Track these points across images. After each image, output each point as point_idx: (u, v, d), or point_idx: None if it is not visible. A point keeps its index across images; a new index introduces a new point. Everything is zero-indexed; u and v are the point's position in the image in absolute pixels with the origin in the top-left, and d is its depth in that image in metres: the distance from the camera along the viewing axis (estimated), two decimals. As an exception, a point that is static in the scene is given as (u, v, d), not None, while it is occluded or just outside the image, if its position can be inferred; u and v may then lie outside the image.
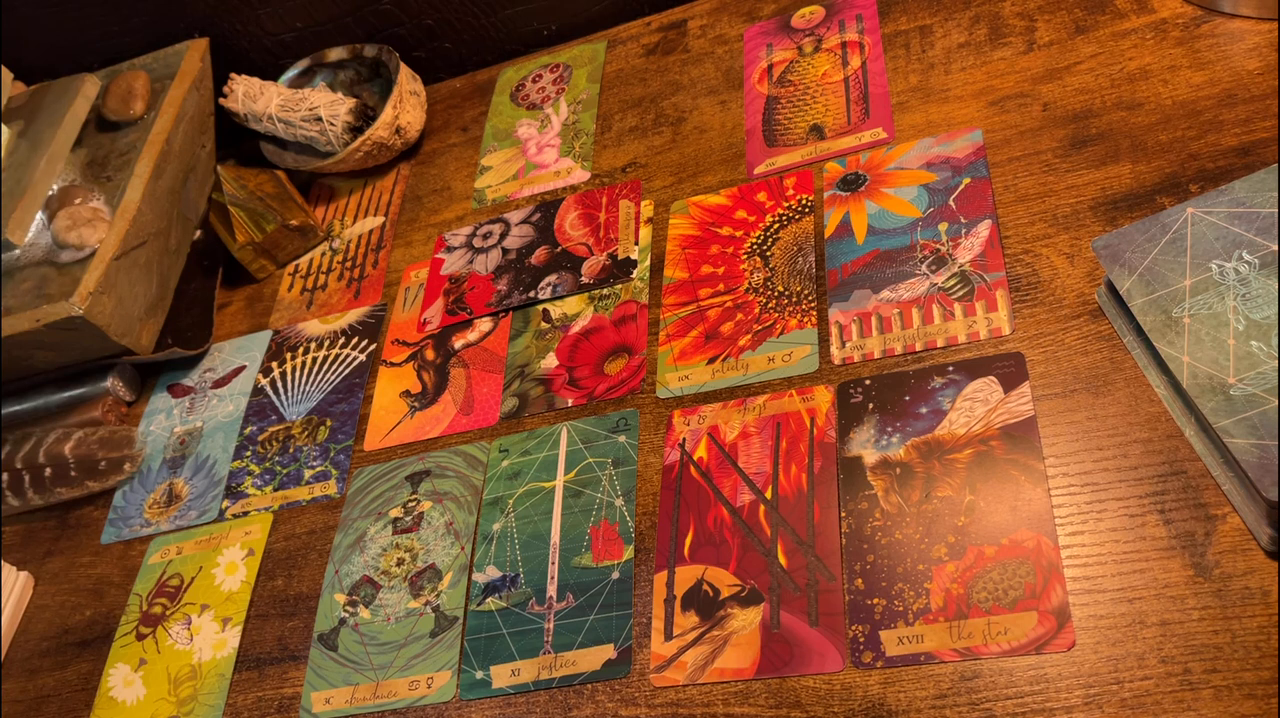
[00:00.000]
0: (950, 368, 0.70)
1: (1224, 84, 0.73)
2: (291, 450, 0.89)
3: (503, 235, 0.94)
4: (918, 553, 0.63)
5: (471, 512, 0.78)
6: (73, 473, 0.93)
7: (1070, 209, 0.73)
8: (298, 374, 0.94)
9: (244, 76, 1.08)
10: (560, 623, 0.70)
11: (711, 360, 0.78)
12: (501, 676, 0.70)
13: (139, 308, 0.96)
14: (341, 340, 0.95)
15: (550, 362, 0.84)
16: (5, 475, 0.94)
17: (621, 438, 0.77)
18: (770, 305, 0.78)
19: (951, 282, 0.73)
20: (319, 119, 1.02)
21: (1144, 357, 0.64)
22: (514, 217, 0.95)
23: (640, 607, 0.69)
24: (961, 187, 0.77)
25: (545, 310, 0.87)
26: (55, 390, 0.99)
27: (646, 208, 0.90)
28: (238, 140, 1.14)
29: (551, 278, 0.89)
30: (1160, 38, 0.78)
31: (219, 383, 0.98)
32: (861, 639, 0.62)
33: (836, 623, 0.63)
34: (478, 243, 0.95)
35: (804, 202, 0.83)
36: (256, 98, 1.06)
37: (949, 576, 0.62)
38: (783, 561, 0.67)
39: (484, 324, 0.89)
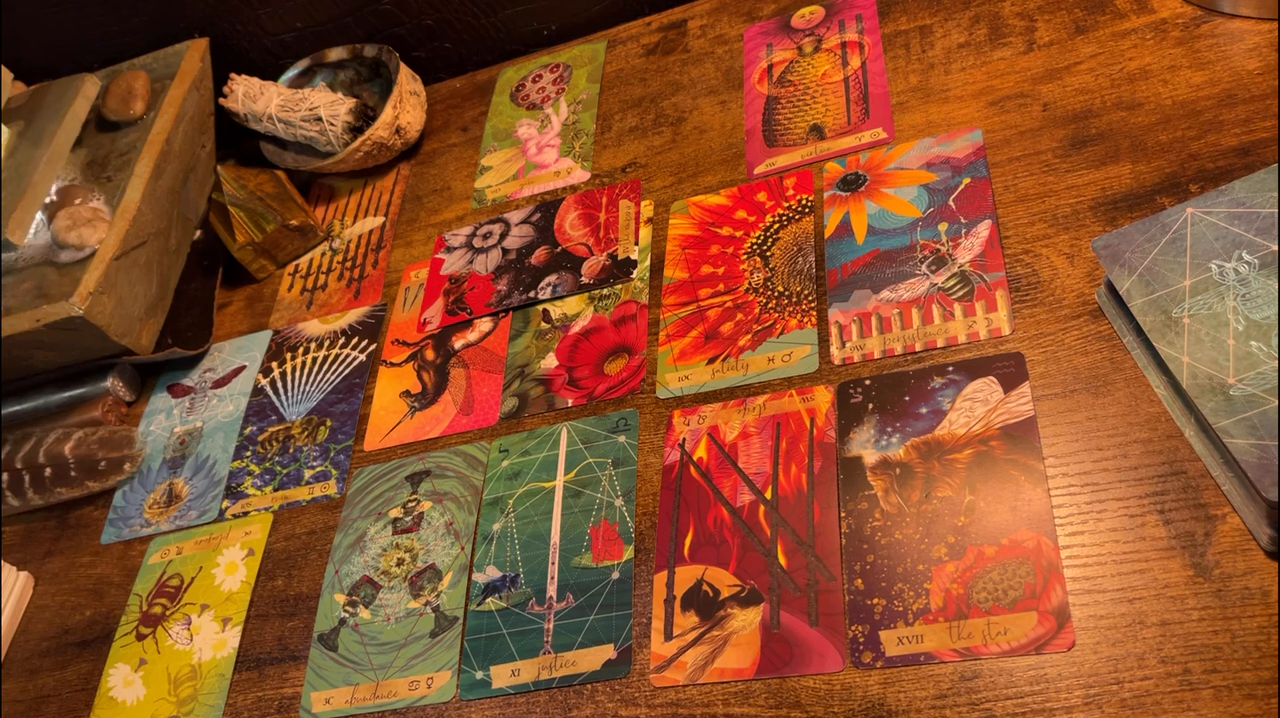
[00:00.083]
0: (950, 368, 0.70)
1: (1224, 84, 0.73)
2: (291, 451, 0.89)
3: (503, 235, 0.94)
4: (918, 553, 0.63)
5: (471, 512, 0.78)
6: (73, 473, 0.93)
7: (1070, 209, 0.73)
8: (298, 374, 0.94)
9: (244, 76, 1.08)
10: (560, 623, 0.70)
11: (711, 361, 0.78)
12: (501, 676, 0.70)
13: (139, 308, 0.96)
14: (341, 340, 0.95)
15: (550, 362, 0.84)
16: (5, 475, 0.94)
17: (621, 438, 0.77)
18: (770, 305, 0.78)
19: (951, 282, 0.73)
20: (319, 119, 1.03)
21: (1144, 357, 0.64)
22: (514, 217, 0.96)
23: (640, 607, 0.69)
24: (961, 187, 0.77)
25: (545, 310, 0.87)
26: (55, 390, 0.99)
27: (646, 208, 0.90)
28: (238, 140, 1.14)
29: (551, 278, 0.89)
30: (1160, 38, 0.78)
31: (219, 383, 0.98)
32: (861, 639, 0.62)
33: (836, 623, 0.63)
34: (478, 243, 0.95)
35: (804, 202, 0.83)
36: (256, 98, 1.06)
37: (949, 576, 0.62)
38: (783, 561, 0.67)
39: (484, 324, 0.89)
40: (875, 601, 0.63)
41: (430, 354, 0.90)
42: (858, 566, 0.65)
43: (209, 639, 0.81)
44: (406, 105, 1.02)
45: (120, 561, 0.90)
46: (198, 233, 1.06)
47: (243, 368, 0.97)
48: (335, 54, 1.10)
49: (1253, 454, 0.53)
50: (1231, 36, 0.75)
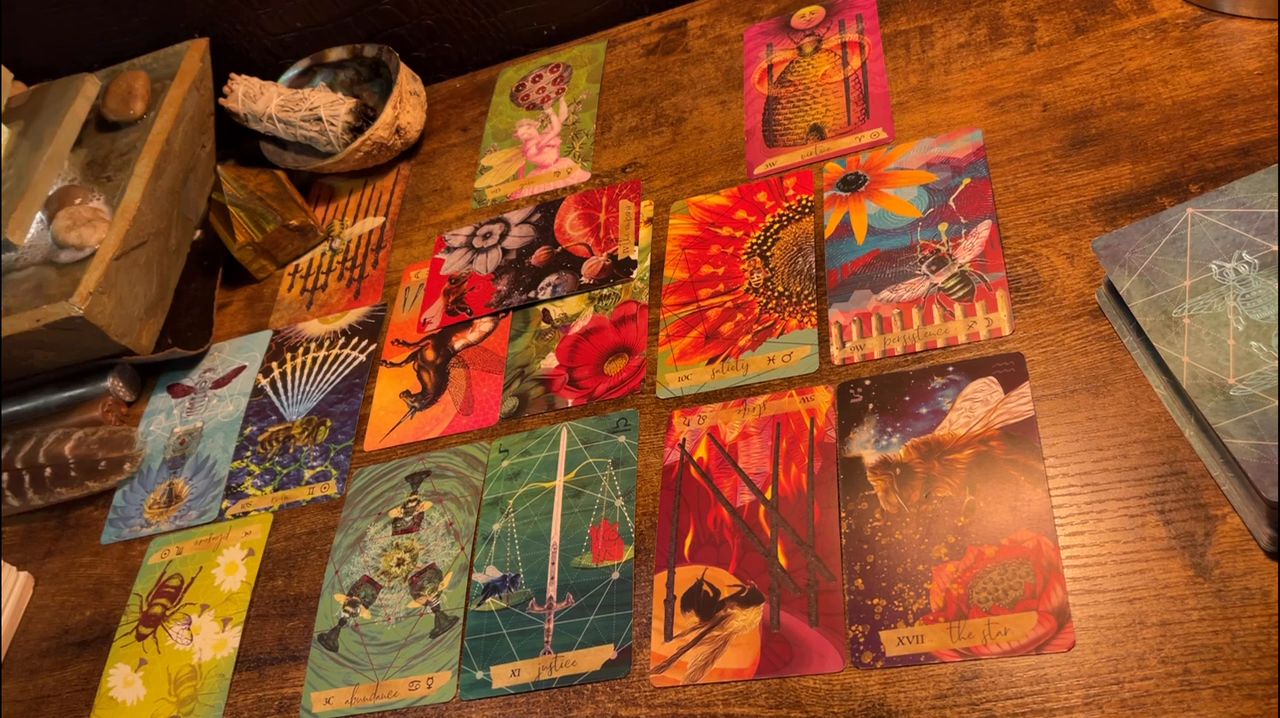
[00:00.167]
0: (950, 368, 0.70)
1: (1224, 84, 0.73)
2: (291, 451, 0.89)
3: (503, 235, 0.94)
4: (918, 553, 0.63)
5: (471, 512, 0.78)
6: (73, 473, 0.93)
7: (1070, 209, 0.73)
8: (298, 374, 0.94)
9: (244, 76, 1.08)
10: (560, 623, 0.70)
11: (711, 361, 0.78)
12: (502, 676, 0.70)
13: (139, 308, 0.96)
14: (341, 340, 0.95)
15: (550, 362, 0.84)
16: (5, 475, 0.94)
17: (621, 438, 0.77)
18: (770, 306, 0.78)
19: (951, 282, 0.73)
20: (319, 119, 1.03)
21: (1144, 357, 0.64)
22: (514, 217, 0.96)
23: (640, 607, 0.69)
24: (961, 187, 0.77)
25: (545, 311, 0.87)
26: (55, 390, 0.99)
27: (646, 208, 0.90)
28: (238, 140, 1.14)
29: (551, 278, 0.89)
30: (1160, 38, 0.78)
31: (219, 383, 0.98)
32: (861, 640, 0.62)
33: (836, 623, 0.63)
34: (478, 243, 0.95)
35: (804, 202, 0.83)
36: (256, 98, 1.06)
37: (949, 576, 0.62)
38: (783, 561, 0.67)
39: (484, 324, 0.89)
40: (875, 601, 0.63)
41: (430, 354, 0.90)
42: (858, 566, 0.65)
43: (209, 639, 0.81)
44: (406, 105, 1.02)
45: (120, 561, 0.90)
46: (198, 233, 1.06)
47: (243, 368, 0.97)
48: (335, 54, 1.10)
49: (1253, 454, 0.53)
50: (1231, 36, 0.75)
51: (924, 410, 0.69)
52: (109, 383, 0.98)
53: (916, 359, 0.71)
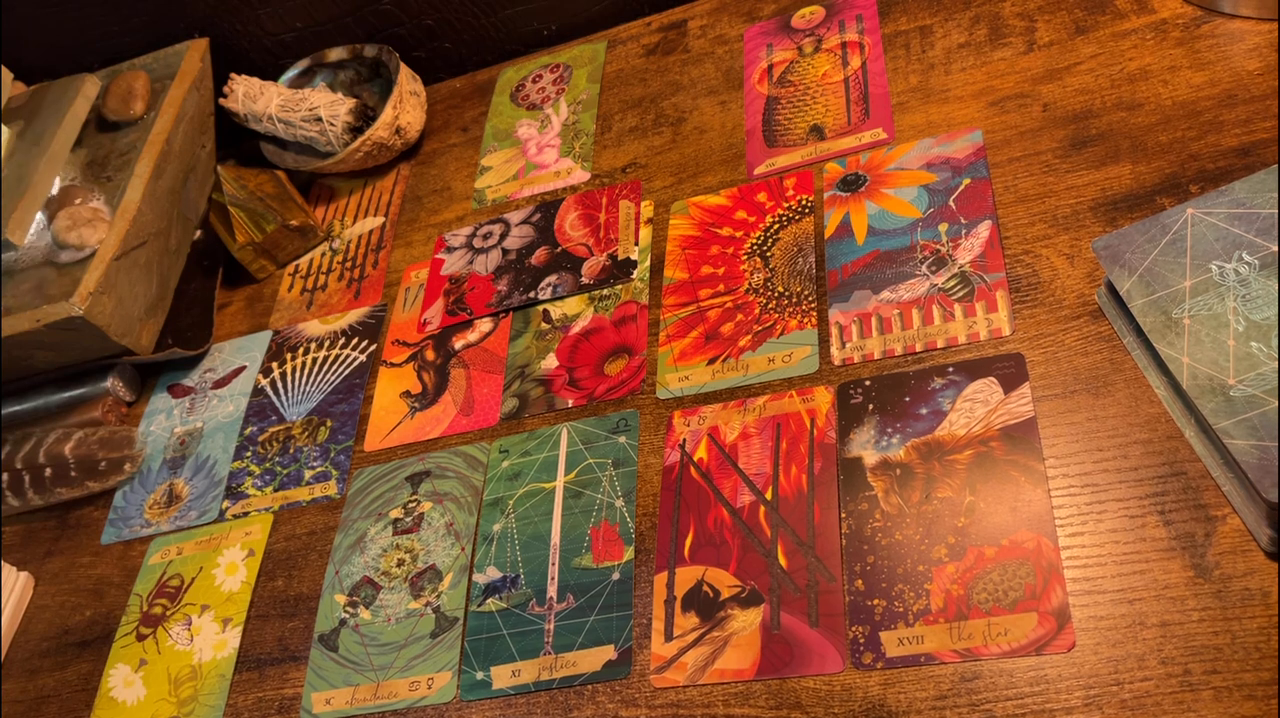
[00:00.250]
0: (950, 369, 0.70)
1: (1224, 84, 0.73)
2: (292, 451, 0.89)
3: (503, 236, 0.94)
4: (918, 554, 0.63)
5: (472, 512, 0.78)
6: (73, 473, 0.93)
7: (1070, 210, 0.73)
8: (298, 375, 0.94)
9: (244, 76, 1.08)
10: (560, 624, 0.70)
11: (711, 361, 0.78)
12: (502, 676, 0.70)
13: (139, 308, 0.96)
14: (341, 341, 0.95)
15: (550, 362, 0.84)
16: (5, 476, 0.94)
17: (622, 439, 0.77)
18: (770, 306, 0.78)
19: (951, 282, 0.73)
20: (319, 119, 1.02)
21: (1144, 357, 0.64)
22: (514, 217, 0.95)
23: (640, 608, 0.69)
24: (961, 187, 0.77)
25: (545, 311, 0.87)
26: (55, 390, 0.99)
27: (646, 208, 0.90)
28: (238, 140, 1.14)
29: (551, 278, 0.89)
30: (1160, 38, 0.78)
31: (219, 383, 0.98)
32: (862, 640, 0.62)
33: (837, 624, 0.63)
34: (478, 243, 0.95)
35: (804, 202, 0.83)
36: (256, 98, 1.06)
37: (949, 577, 0.62)
38: (783, 561, 0.67)
39: (484, 325, 0.89)
40: (875, 601, 0.63)
41: (430, 355, 0.90)
42: (858, 566, 0.65)
43: (209, 640, 0.81)
44: (406, 105, 1.02)
45: (120, 561, 0.90)
46: (198, 233, 1.06)
47: (243, 368, 0.97)
48: (335, 54, 1.10)
49: (1253, 455, 0.53)
50: (1231, 37, 0.75)
51: (924, 411, 0.69)
52: (109, 383, 0.98)
53: (916, 360, 0.71)
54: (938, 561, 0.63)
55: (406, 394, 0.88)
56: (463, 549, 0.77)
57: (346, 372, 0.92)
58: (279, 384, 0.94)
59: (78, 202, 0.99)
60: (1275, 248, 0.59)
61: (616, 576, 0.71)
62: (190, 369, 1.00)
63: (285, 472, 0.88)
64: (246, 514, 0.87)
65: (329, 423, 0.89)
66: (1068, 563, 0.60)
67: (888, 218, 0.79)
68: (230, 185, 1.04)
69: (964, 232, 0.75)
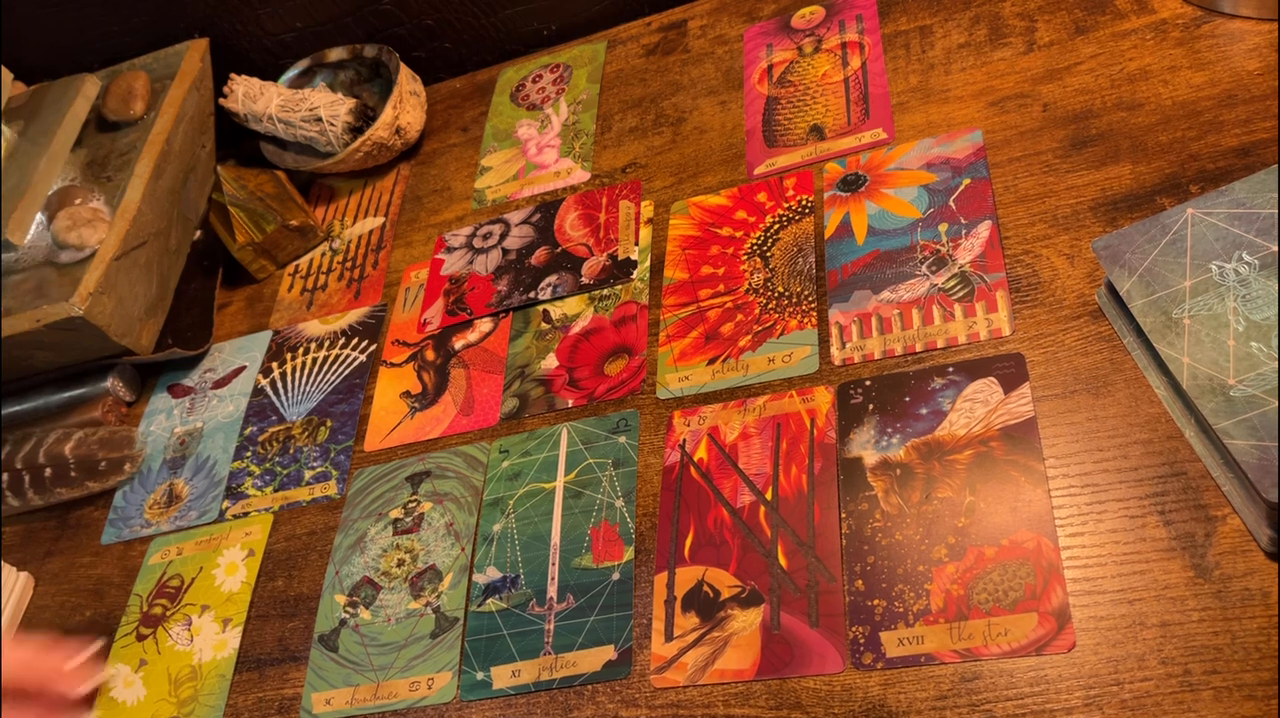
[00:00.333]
0: (950, 369, 0.70)
1: (1224, 84, 0.73)
2: (292, 451, 0.89)
3: (503, 236, 0.94)
4: (918, 554, 0.63)
5: (472, 513, 0.78)
6: (73, 473, 0.93)
7: (1070, 210, 0.73)
8: (298, 375, 0.94)
9: (244, 77, 1.08)
10: (561, 624, 0.70)
11: (712, 361, 0.78)
12: (502, 677, 0.70)
13: (139, 308, 0.96)
14: (342, 341, 0.95)
15: (550, 362, 0.84)
16: (5, 476, 0.94)
17: (622, 439, 0.77)
18: (770, 306, 0.78)
19: (951, 282, 0.73)
20: (319, 119, 1.02)
21: (1144, 358, 0.64)
22: (514, 217, 0.95)
23: (640, 608, 0.69)
24: (961, 187, 0.77)
25: (545, 311, 0.87)
26: (55, 390, 0.99)
27: (646, 208, 0.90)
28: (238, 140, 1.14)
29: (551, 278, 0.89)
30: (1160, 38, 0.78)
31: (219, 383, 0.98)
32: (862, 641, 0.62)
33: (837, 624, 0.63)
34: (478, 243, 0.95)
35: (804, 202, 0.83)
36: (256, 98, 1.06)
37: (949, 577, 0.62)
38: (783, 562, 0.67)
39: (484, 325, 0.89)
40: (876, 602, 0.63)
41: (430, 355, 0.90)
42: (858, 566, 0.65)
43: (209, 640, 0.81)
44: (406, 105, 1.02)
45: (120, 561, 0.90)
46: (198, 233, 1.06)
47: (243, 368, 0.97)
48: (335, 54, 1.10)
49: (1253, 455, 0.53)
50: (1231, 37, 0.75)
51: (924, 411, 0.69)
52: (109, 383, 0.98)
53: (917, 360, 0.71)
54: (938, 561, 0.63)
55: (406, 394, 0.88)
56: (463, 549, 0.77)
57: (346, 372, 0.92)
58: (279, 384, 0.94)
59: (78, 202, 0.99)
60: (1275, 248, 0.59)
61: (616, 576, 0.71)
62: (190, 369, 1.00)
63: (285, 472, 0.88)
64: (246, 514, 0.87)
65: (329, 423, 0.89)
66: (1068, 563, 0.60)
67: (888, 218, 0.79)
68: (230, 185, 1.04)
69: (964, 232, 0.75)
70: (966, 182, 0.78)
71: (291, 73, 1.11)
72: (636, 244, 0.87)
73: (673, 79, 0.98)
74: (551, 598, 0.72)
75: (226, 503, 0.89)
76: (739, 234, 0.84)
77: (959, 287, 0.73)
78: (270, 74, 1.13)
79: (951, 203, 0.77)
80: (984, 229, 0.74)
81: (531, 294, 0.88)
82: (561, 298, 0.87)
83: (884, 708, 0.60)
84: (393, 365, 0.90)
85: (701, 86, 0.96)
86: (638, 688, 0.66)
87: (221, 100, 1.07)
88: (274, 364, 0.96)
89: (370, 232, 1.02)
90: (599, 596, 0.70)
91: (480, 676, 0.71)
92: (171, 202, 1.01)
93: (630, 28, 1.05)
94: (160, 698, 0.80)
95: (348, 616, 0.78)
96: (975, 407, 0.67)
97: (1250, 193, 0.62)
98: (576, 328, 0.85)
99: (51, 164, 1.03)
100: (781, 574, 0.66)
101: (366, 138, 1.00)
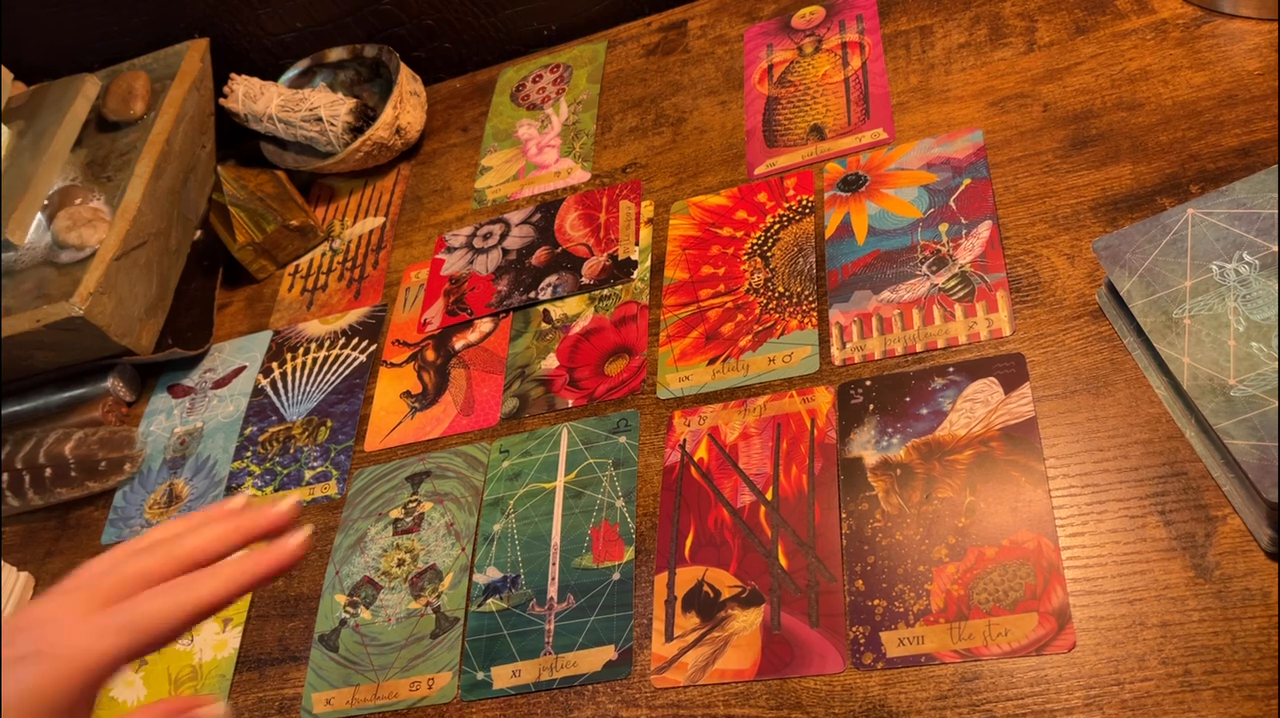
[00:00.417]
0: (951, 369, 0.70)
1: (1224, 85, 0.73)
2: (292, 451, 0.89)
3: (503, 236, 0.94)
4: (918, 554, 0.63)
5: (472, 513, 0.78)
6: (73, 473, 0.93)
7: (1070, 210, 0.73)
8: (298, 375, 0.94)
9: (244, 77, 1.08)
10: (561, 624, 0.70)
11: (712, 361, 0.78)
12: (502, 677, 0.70)
13: (139, 308, 0.96)
14: (342, 341, 0.95)
15: (551, 362, 0.84)
16: (5, 476, 0.94)
17: (622, 439, 0.77)
18: (771, 306, 0.78)
19: (952, 282, 0.73)
20: (319, 119, 1.02)
21: (1144, 358, 0.64)
22: (514, 217, 0.95)
23: (641, 608, 0.69)
24: (962, 187, 0.77)
25: (545, 311, 0.87)
26: (55, 390, 0.99)
27: (647, 208, 0.90)
28: (238, 140, 1.14)
29: (552, 278, 0.89)
30: (1160, 38, 0.78)
31: (219, 383, 0.98)
32: (862, 641, 0.62)
33: (837, 624, 0.63)
34: (478, 243, 0.95)
35: (804, 202, 0.83)
36: (256, 98, 1.06)
37: (949, 577, 0.62)
38: (783, 562, 0.67)
39: (484, 325, 0.89)
40: (876, 602, 0.63)
41: (431, 355, 0.90)
42: (858, 567, 0.65)
43: (209, 640, 0.81)
44: (406, 105, 1.02)
45: (121, 561, 0.90)
46: (198, 233, 1.06)
47: (243, 368, 0.97)
48: (335, 54, 1.10)
49: (1253, 455, 0.53)
50: (1232, 37, 0.75)
51: (924, 411, 0.69)
52: (109, 383, 0.98)
53: (917, 360, 0.71)
54: (938, 561, 0.63)
55: (407, 394, 0.88)
56: (463, 549, 0.77)
57: (347, 372, 0.92)
58: (279, 384, 0.94)
59: (78, 202, 0.99)
60: (1275, 248, 0.59)
61: (617, 576, 0.71)
62: (190, 369, 1.00)
63: (285, 472, 0.88)
64: (247, 514, 0.87)
65: (329, 423, 0.89)
66: (1068, 563, 0.60)
67: (888, 218, 0.79)
68: (230, 185, 1.04)
69: (964, 232, 0.75)
70: (967, 182, 0.78)
71: (291, 73, 1.11)
72: (637, 244, 0.87)
73: (673, 79, 0.98)
74: (552, 598, 0.72)
75: (227, 503, 0.88)
76: (739, 234, 0.84)
77: (959, 287, 0.73)
78: (270, 74, 1.13)
79: (952, 203, 0.77)
80: (984, 229, 0.74)
81: (532, 294, 0.88)
82: (562, 298, 0.87)
83: (884, 708, 0.60)
84: (393, 365, 0.90)
85: (702, 86, 0.96)
86: (638, 688, 0.66)
87: (221, 100, 1.07)
88: (274, 364, 0.96)
89: (370, 232, 1.02)
90: (599, 596, 0.70)
91: (480, 676, 0.71)
92: (171, 201, 1.01)
93: (630, 28, 1.05)
94: (160, 698, 0.80)
95: (348, 615, 0.78)
96: (975, 407, 0.67)
97: (1250, 193, 0.62)
98: (577, 328, 0.85)
99: (51, 164, 1.03)
100: (782, 574, 0.66)
101: (367, 138, 1.00)
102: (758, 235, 0.83)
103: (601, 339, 0.83)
